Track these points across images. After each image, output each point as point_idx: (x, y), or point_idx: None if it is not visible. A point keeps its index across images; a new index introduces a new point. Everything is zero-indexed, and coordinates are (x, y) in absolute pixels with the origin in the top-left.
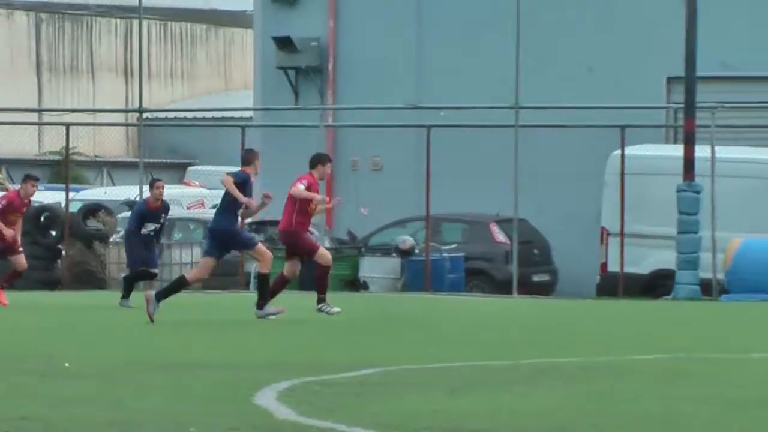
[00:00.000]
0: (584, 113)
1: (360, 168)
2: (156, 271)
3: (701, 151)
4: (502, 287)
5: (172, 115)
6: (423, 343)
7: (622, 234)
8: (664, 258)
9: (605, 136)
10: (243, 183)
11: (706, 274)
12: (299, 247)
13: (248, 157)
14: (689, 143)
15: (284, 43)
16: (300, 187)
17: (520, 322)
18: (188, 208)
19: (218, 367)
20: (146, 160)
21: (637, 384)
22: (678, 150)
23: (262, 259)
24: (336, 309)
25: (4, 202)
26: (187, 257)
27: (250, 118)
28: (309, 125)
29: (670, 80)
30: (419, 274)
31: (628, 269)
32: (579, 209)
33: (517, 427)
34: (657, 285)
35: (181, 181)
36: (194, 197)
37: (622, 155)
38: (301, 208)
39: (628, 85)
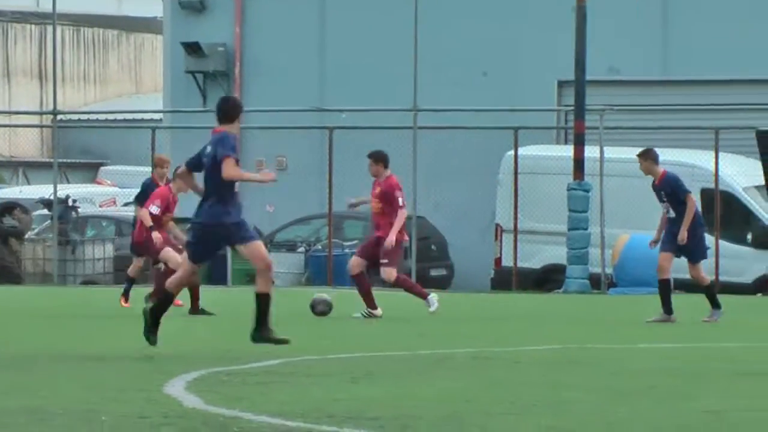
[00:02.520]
0: (479, 115)
1: (265, 167)
2: None
3: (590, 152)
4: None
5: (85, 117)
6: (324, 335)
7: (515, 230)
8: (556, 253)
9: (499, 137)
10: None
11: (595, 268)
12: None
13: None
14: (579, 144)
15: (192, 49)
16: None
17: (418, 314)
18: (101, 206)
19: (129, 359)
20: (60, 160)
21: (529, 373)
22: (568, 150)
23: None
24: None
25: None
26: (99, 253)
27: (160, 120)
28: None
29: (561, 84)
30: (322, 269)
31: (521, 264)
32: (474, 207)
33: (415, 414)
34: (549, 279)
35: (93, 180)
36: (106, 196)
37: (516, 155)
38: None
39: (521, 88)
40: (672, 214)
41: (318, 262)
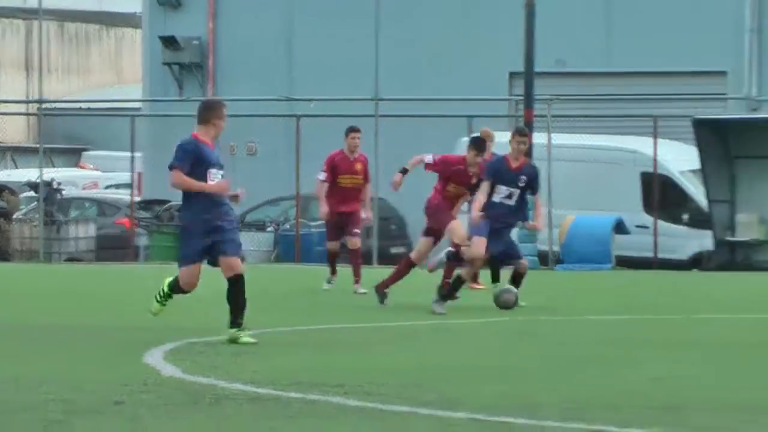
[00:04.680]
0: (436, 104)
1: (237, 153)
2: None
3: (539, 138)
4: (364, 259)
5: (69, 105)
6: (294, 309)
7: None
8: None
9: (454, 125)
10: None
11: (543, 246)
12: None
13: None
14: (528, 131)
15: (169, 42)
16: None
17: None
18: (84, 189)
19: (110, 330)
20: (46, 145)
21: (485, 343)
22: None
23: None
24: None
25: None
26: (82, 233)
27: (140, 108)
28: (192, 115)
29: (512, 75)
30: (290, 247)
31: None
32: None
33: (378, 381)
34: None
35: (77, 164)
36: (89, 179)
37: None
38: None
39: (475, 79)
40: (512, 202)
41: (286, 240)
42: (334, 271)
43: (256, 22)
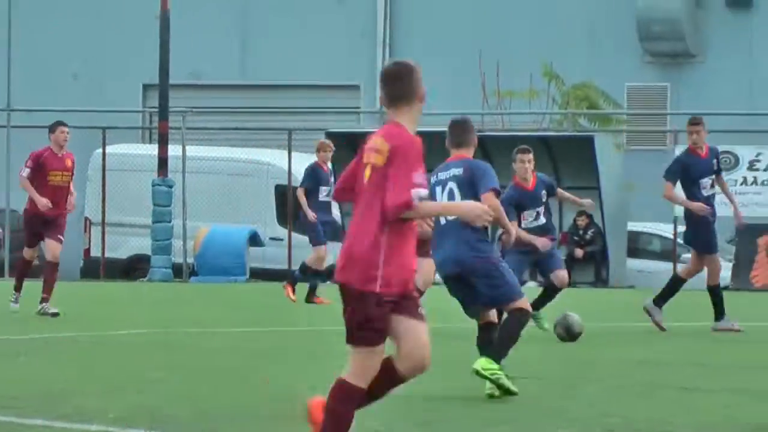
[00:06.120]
0: (71, 115)
1: None
2: None
3: (174, 150)
4: None
5: None
6: None
7: (103, 223)
8: (141, 244)
9: (89, 136)
10: None
11: (177, 258)
12: None
13: None
14: (163, 143)
15: None
16: None
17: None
18: None
19: None
20: None
21: (118, 356)
22: (153, 149)
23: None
24: None
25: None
26: None
27: None
28: None
29: (146, 87)
30: None
31: (108, 254)
32: None
33: (12, 395)
34: (135, 268)
35: None
36: None
37: (104, 153)
38: None
39: (109, 90)
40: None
41: None
42: (21, 287)
43: None
